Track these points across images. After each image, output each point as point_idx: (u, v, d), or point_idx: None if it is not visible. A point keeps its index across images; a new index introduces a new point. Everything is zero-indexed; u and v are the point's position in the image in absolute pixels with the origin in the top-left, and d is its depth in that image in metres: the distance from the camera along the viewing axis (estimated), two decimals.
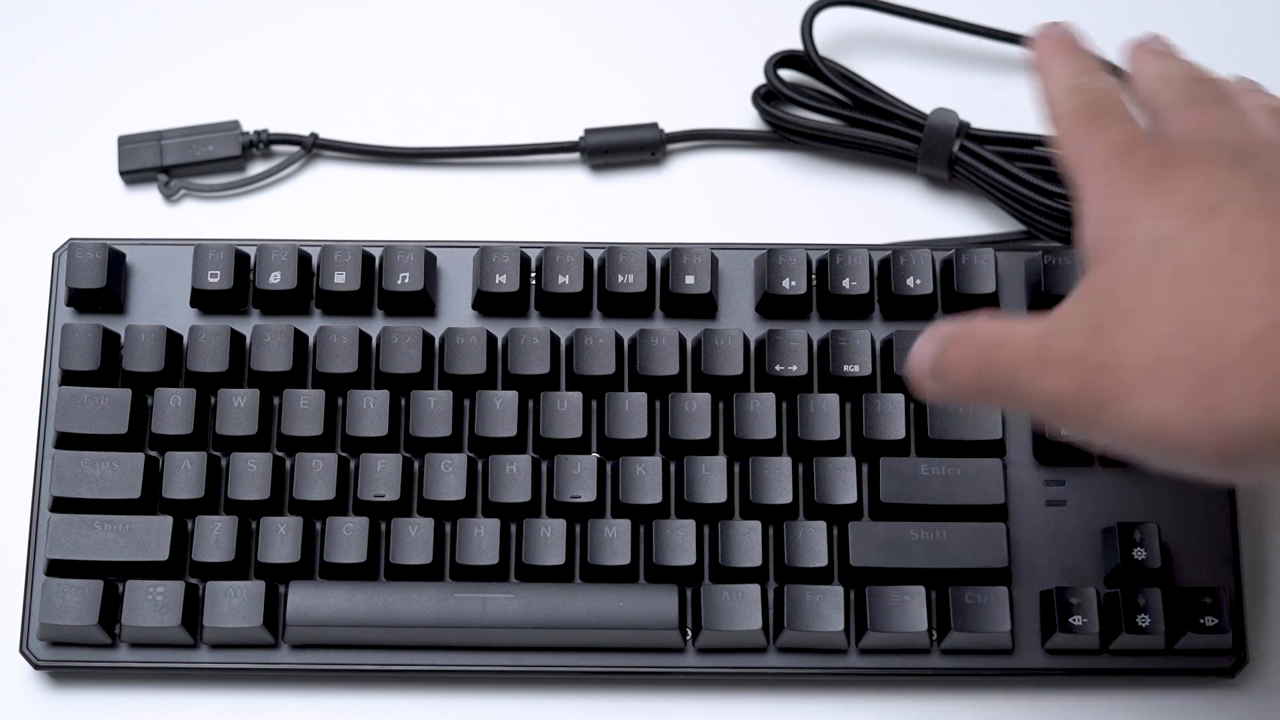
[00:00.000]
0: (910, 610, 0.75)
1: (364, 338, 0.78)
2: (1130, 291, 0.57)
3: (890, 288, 0.79)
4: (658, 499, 0.76)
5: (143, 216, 0.86)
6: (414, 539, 0.76)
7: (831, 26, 0.89)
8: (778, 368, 0.78)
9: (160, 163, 0.85)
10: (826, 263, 0.80)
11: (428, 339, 0.78)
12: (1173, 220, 0.57)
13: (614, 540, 0.76)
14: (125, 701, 0.77)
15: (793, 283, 0.79)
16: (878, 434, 0.77)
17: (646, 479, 0.77)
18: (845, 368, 0.78)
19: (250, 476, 0.77)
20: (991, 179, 0.82)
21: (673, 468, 0.77)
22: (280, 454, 0.78)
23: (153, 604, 0.75)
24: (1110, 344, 0.57)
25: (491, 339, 0.79)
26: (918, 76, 0.88)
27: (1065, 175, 0.64)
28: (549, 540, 0.76)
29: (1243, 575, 0.77)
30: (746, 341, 0.79)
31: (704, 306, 0.80)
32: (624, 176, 0.87)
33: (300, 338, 0.78)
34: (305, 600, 0.75)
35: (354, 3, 0.90)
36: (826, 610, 0.75)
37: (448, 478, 0.77)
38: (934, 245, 0.82)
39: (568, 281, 0.79)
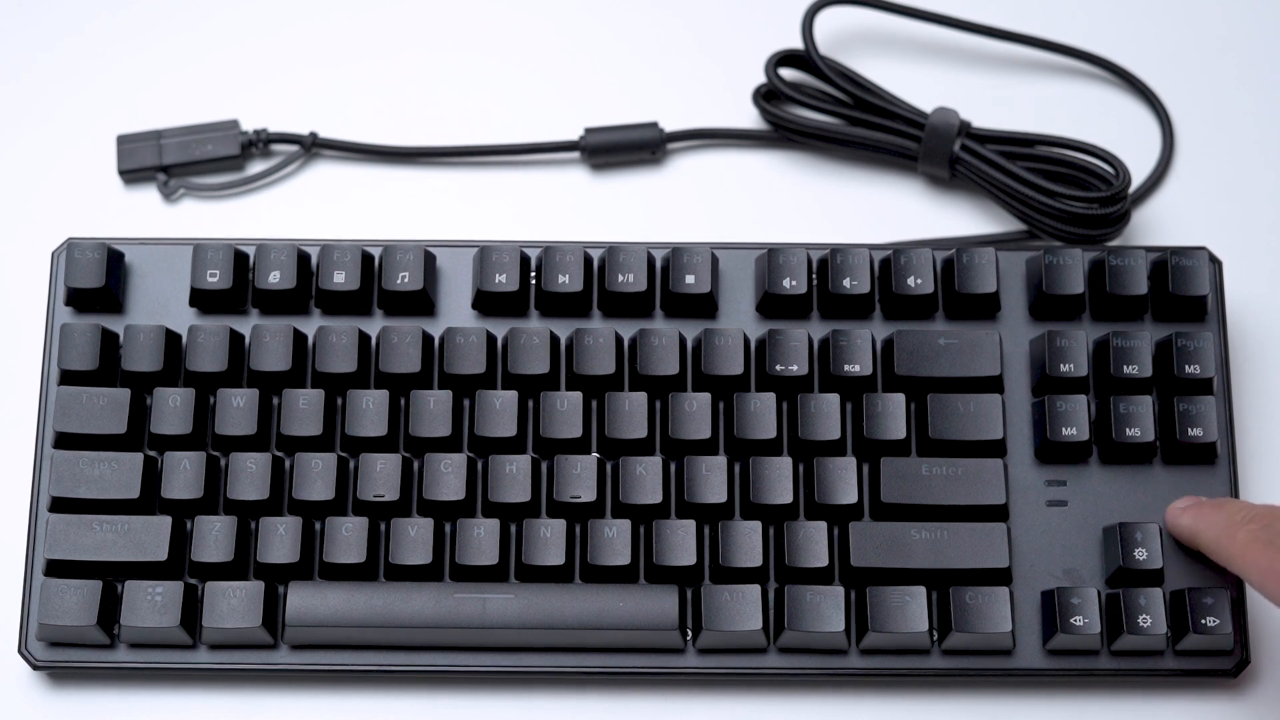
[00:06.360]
0: (911, 610, 0.75)
1: (363, 337, 0.78)
2: None
3: (891, 287, 0.79)
4: (658, 499, 0.76)
5: (142, 216, 0.86)
6: (414, 539, 0.76)
7: (832, 26, 0.89)
8: (778, 367, 0.78)
9: (159, 162, 0.85)
10: (827, 262, 0.79)
11: (427, 339, 0.78)
12: None
13: (614, 540, 0.76)
14: (124, 702, 0.77)
15: (793, 282, 0.79)
16: (878, 434, 0.77)
17: (646, 479, 0.76)
18: (846, 367, 0.78)
19: (249, 476, 0.76)
20: (992, 178, 0.82)
21: (673, 468, 0.77)
22: (279, 454, 0.77)
23: (151, 604, 0.75)
24: None
25: (491, 339, 0.78)
26: (918, 76, 0.88)
27: (1273, 599, 0.70)
28: (549, 540, 0.76)
29: None
30: (747, 341, 0.79)
31: (704, 306, 0.79)
32: (624, 176, 0.87)
33: (299, 337, 0.78)
34: (304, 600, 0.75)
35: (353, 3, 0.90)
36: (827, 610, 0.75)
37: (447, 478, 0.76)
38: (935, 245, 0.82)
39: (568, 281, 0.79)
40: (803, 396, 0.78)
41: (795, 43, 0.86)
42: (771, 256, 0.79)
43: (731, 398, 0.78)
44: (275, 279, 0.79)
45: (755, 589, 0.75)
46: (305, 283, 0.79)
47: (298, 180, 0.87)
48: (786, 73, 0.87)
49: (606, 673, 0.76)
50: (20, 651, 0.76)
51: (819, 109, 0.86)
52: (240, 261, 0.79)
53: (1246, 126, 0.87)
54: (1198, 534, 0.75)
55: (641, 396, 0.77)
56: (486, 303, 0.79)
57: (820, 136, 0.85)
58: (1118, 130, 0.87)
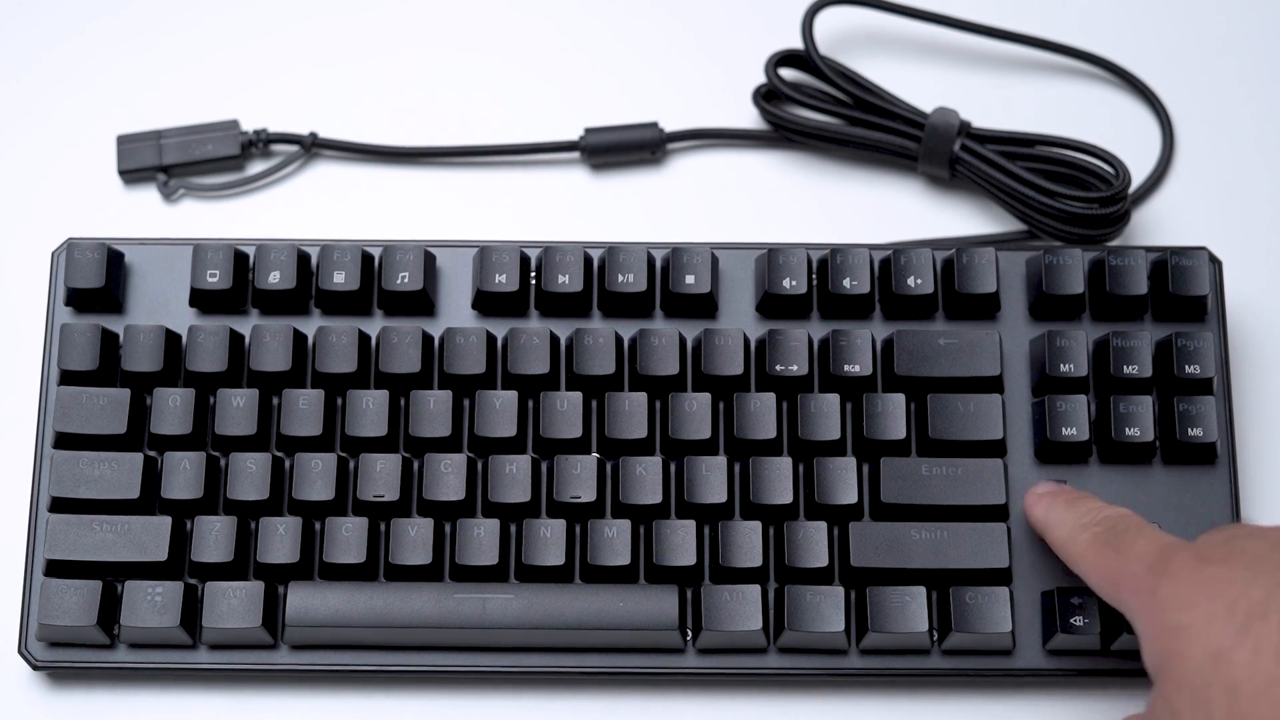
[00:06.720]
0: (911, 611, 0.75)
1: (363, 337, 0.78)
2: (1191, 717, 0.62)
3: (891, 287, 0.79)
4: (658, 499, 0.76)
5: (142, 216, 0.86)
6: (414, 539, 0.76)
7: (832, 26, 0.89)
8: (778, 368, 0.78)
9: (159, 162, 0.85)
10: (827, 262, 0.79)
11: (427, 339, 0.78)
12: (1221, 629, 0.61)
13: (614, 540, 0.76)
14: (124, 702, 0.77)
15: (793, 282, 0.79)
16: (878, 434, 0.77)
17: (646, 479, 0.76)
18: (846, 367, 0.78)
19: (249, 476, 0.76)
20: (992, 178, 0.82)
21: (673, 468, 0.77)
22: (279, 454, 0.77)
23: (151, 604, 0.75)
24: None
25: (491, 339, 0.78)
26: (918, 76, 0.88)
27: (1110, 600, 0.69)
28: (549, 540, 0.76)
29: None
30: (747, 341, 0.79)
31: (704, 306, 0.79)
32: (624, 176, 0.87)
33: (299, 337, 0.78)
34: (304, 601, 0.75)
35: (353, 3, 0.90)
36: (827, 611, 0.75)
37: (447, 478, 0.76)
38: (935, 245, 0.82)
39: (568, 281, 0.79)
40: (803, 396, 0.78)
41: (795, 43, 0.86)
42: (771, 256, 0.79)
43: (731, 398, 0.78)
44: (275, 279, 0.79)
45: (755, 589, 0.75)
46: (305, 283, 0.79)
47: (298, 180, 0.87)
48: (786, 73, 0.87)
49: (606, 673, 0.76)
50: (20, 651, 0.76)
51: (819, 109, 0.86)
52: (240, 261, 0.79)
53: (1246, 126, 0.87)
54: (1048, 530, 0.74)
55: (641, 396, 0.77)
56: (486, 303, 0.79)
57: (820, 136, 0.85)
58: (1118, 130, 0.87)
